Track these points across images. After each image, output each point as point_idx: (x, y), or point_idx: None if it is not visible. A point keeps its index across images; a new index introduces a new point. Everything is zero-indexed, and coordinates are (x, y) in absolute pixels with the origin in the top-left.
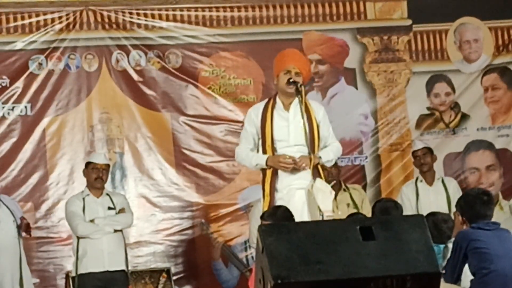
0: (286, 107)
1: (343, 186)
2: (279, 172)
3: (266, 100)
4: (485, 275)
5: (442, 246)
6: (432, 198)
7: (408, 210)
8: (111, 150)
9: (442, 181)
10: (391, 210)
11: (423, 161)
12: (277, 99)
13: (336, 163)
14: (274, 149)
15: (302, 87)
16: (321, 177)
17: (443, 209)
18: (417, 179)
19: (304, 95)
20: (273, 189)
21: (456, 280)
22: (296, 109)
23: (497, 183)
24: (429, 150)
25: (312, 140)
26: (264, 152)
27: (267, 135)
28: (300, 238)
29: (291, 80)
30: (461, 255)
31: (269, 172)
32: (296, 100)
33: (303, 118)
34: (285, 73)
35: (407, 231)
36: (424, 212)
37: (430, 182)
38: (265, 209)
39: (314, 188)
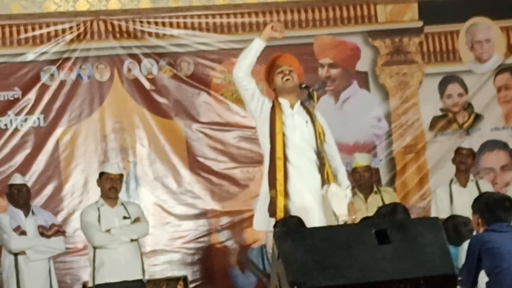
0: (291, 106)
1: (375, 189)
2: (289, 174)
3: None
4: (498, 273)
5: (459, 247)
6: (465, 200)
7: (442, 212)
8: (124, 159)
9: (476, 183)
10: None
11: (464, 160)
12: (280, 100)
13: (370, 166)
14: (284, 144)
15: (314, 92)
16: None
17: None
18: (451, 181)
19: (317, 100)
20: (285, 192)
21: (473, 285)
22: (299, 108)
23: None
24: (472, 154)
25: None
26: (273, 144)
27: (278, 128)
28: (315, 243)
29: (303, 86)
30: (475, 259)
31: (280, 175)
32: (299, 101)
33: (310, 116)
34: (279, 72)
35: (422, 234)
36: (459, 214)
37: (463, 184)
38: (279, 212)
39: (329, 193)
